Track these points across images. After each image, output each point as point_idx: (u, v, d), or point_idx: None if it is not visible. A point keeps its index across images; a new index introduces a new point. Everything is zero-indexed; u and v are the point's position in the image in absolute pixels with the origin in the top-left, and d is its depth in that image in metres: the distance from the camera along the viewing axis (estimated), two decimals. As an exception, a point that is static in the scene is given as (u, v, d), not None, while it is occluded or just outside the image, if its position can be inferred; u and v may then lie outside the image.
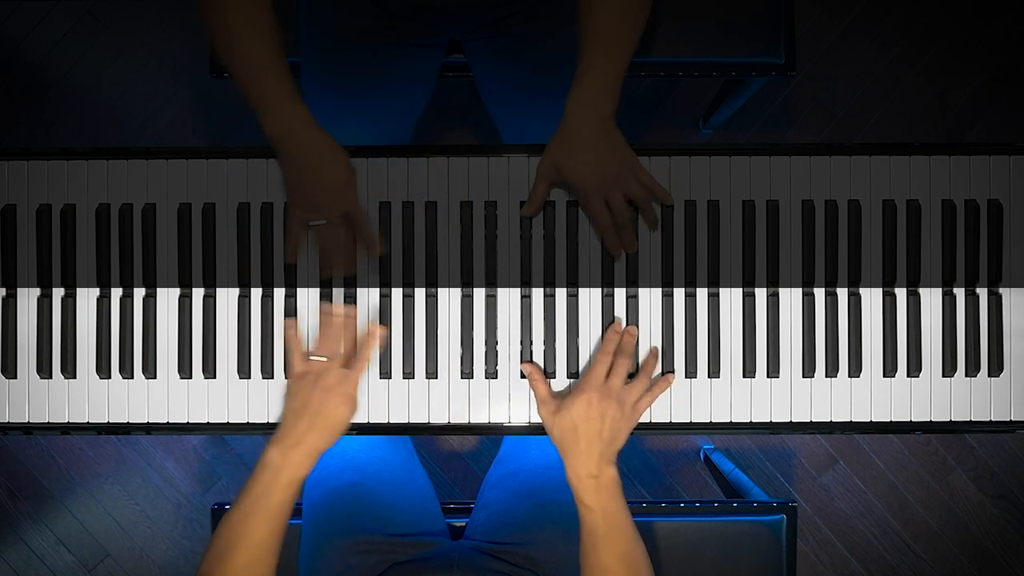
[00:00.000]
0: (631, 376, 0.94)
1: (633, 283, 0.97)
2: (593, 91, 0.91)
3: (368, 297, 0.97)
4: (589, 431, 0.88)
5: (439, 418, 0.98)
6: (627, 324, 0.97)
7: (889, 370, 0.97)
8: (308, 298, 0.97)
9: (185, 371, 0.97)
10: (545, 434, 0.97)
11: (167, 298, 0.98)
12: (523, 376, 0.97)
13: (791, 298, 0.97)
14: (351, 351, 0.95)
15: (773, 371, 0.97)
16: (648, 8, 0.92)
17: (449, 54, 1.28)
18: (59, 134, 1.82)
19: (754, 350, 0.97)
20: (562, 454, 0.90)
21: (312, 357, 0.93)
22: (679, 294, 0.97)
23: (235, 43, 0.90)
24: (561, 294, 0.97)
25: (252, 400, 0.97)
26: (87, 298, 0.98)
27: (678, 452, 1.80)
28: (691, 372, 0.97)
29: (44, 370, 0.97)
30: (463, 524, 1.18)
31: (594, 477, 0.88)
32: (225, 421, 0.98)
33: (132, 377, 0.97)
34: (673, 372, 0.97)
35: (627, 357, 0.93)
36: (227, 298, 0.98)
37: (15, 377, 0.98)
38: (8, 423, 0.98)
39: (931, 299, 0.97)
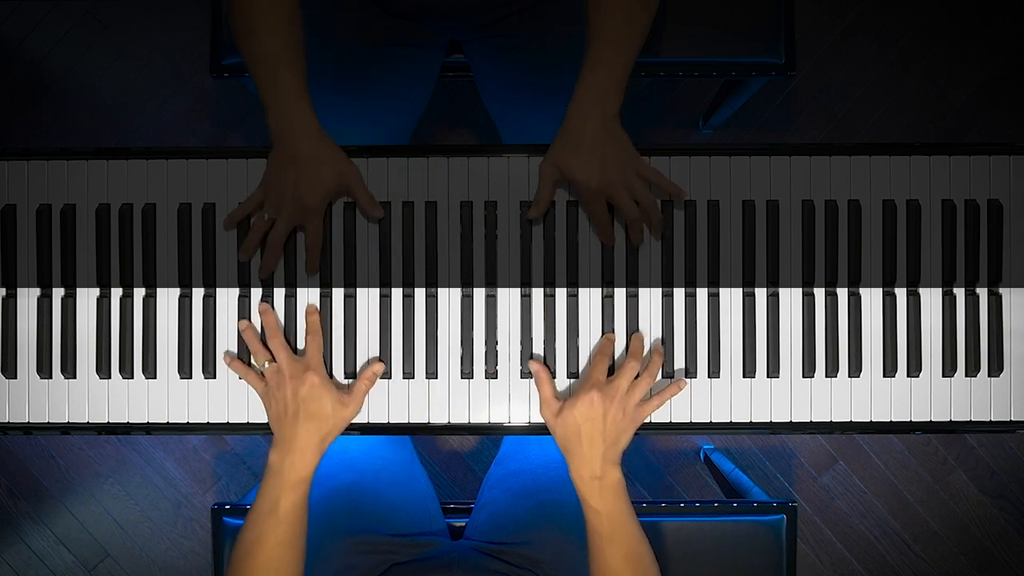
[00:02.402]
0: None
1: (633, 283, 0.97)
2: (597, 90, 0.90)
3: (368, 297, 0.97)
4: (592, 431, 0.88)
5: (439, 418, 0.98)
6: (627, 324, 0.97)
7: (889, 370, 0.97)
8: (307, 298, 0.97)
9: (185, 371, 0.97)
10: (545, 434, 0.98)
11: (167, 298, 0.98)
12: (523, 376, 0.97)
13: (791, 298, 0.97)
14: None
15: (773, 371, 0.97)
16: (654, 9, 0.92)
17: (449, 54, 1.28)
18: (59, 134, 1.82)
19: (754, 350, 0.97)
20: (566, 455, 0.90)
21: (265, 367, 0.93)
22: (679, 294, 0.97)
23: (251, 32, 0.90)
24: (561, 294, 0.97)
25: (252, 400, 0.97)
26: (87, 298, 0.98)
27: (678, 452, 1.80)
28: (691, 372, 0.97)
29: (44, 370, 0.97)
30: (463, 524, 1.18)
31: (597, 478, 0.88)
32: (225, 421, 0.98)
33: (132, 377, 0.97)
34: (685, 378, 0.96)
35: (635, 359, 0.92)
36: (227, 298, 0.98)
37: (15, 377, 0.98)
38: (8, 423, 0.98)
39: (931, 299, 0.97)
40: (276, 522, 0.86)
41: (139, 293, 0.98)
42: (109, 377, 0.98)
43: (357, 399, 0.93)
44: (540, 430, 0.98)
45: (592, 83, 0.90)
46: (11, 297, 0.98)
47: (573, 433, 0.89)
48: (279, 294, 0.97)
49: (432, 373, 0.97)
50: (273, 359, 0.93)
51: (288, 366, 0.91)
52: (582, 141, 0.91)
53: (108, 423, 0.98)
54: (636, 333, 0.96)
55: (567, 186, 0.96)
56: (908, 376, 0.97)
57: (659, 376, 0.96)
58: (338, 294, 0.97)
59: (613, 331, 0.97)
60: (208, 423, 0.98)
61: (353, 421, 0.97)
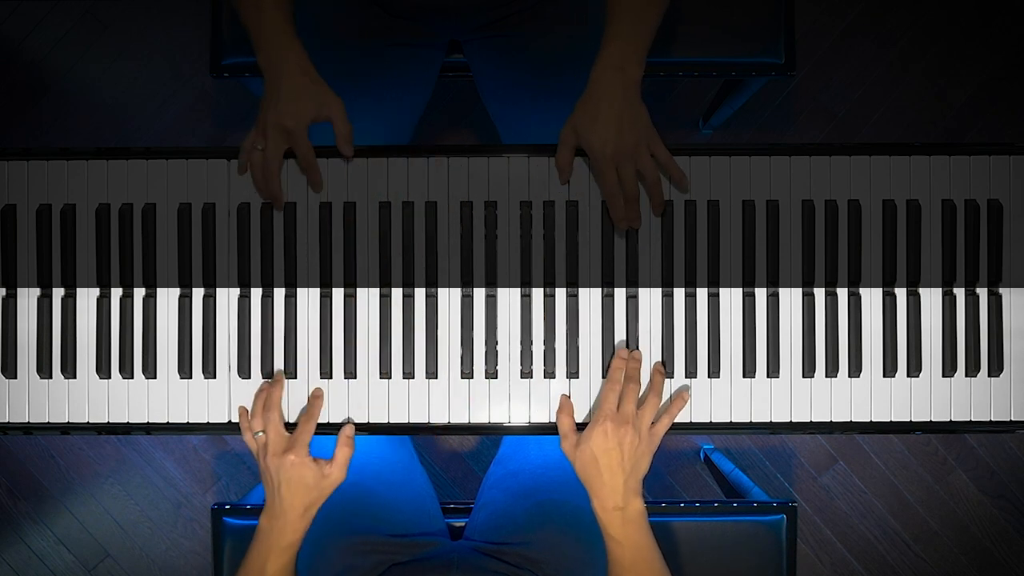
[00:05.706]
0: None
1: (633, 283, 0.97)
2: (621, 55, 0.91)
3: (368, 297, 0.97)
4: (610, 462, 0.88)
5: (439, 418, 0.98)
6: (627, 324, 0.97)
7: (889, 370, 0.97)
8: (308, 298, 0.97)
9: (185, 371, 0.97)
10: (545, 433, 0.98)
11: (167, 298, 0.98)
12: (523, 376, 0.97)
13: (791, 298, 0.97)
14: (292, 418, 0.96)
15: (773, 371, 0.97)
16: None
17: (449, 54, 1.28)
18: (59, 134, 1.82)
19: (754, 350, 0.97)
20: (587, 488, 0.90)
21: (256, 434, 0.94)
22: (679, 294, 0.97)
23: None
24: (561, 294, 0.97)
25: (252, 400, 0.97)
26: (87, 298, 0.98)
27: (678, 452, 1.80)
28: (691, 372, 0.97)
29: (44, 370, 0.97)
30: (463, 524, 1.18)
31: (620, 509, 0.88)
32: (225, 421, 0.98)
33: (132, 377, 0.97)
34: (688, 389, 0.97)
35: (634, 382, 0.93)
36: (227, 298, 0.98)
37: (15, 377, 0.98)
38: (8, 423, 0.98)
39: (931, 299, 0.97)
40: None
41: (139, 293, 0.98)
42: (109, 377, 0.98)
43: (340, 466, 0.93)
44: (540, 430, 0.98)
45: (614, 49, 0.91)
46: (11, 297, 0.98)
47: (592, 466, 0.89)
48: (279, 294, 0.97)
49: (432, 373, 0.97)
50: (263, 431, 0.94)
51: (272, 443, 0.92)
52: (601, 106, 0.90)
53: (108, 423, 0.98)
54: (657, 365, 0.96)
55: (584, 152, 0.96)
56: (908, 376, 0.97)
57: (664, 395, 0.96)
58: (338, 294, 0.97)
59: (613, 333, 0.97)
60: (208, 423, 0.98)
61: (355, 421, 0.97)
